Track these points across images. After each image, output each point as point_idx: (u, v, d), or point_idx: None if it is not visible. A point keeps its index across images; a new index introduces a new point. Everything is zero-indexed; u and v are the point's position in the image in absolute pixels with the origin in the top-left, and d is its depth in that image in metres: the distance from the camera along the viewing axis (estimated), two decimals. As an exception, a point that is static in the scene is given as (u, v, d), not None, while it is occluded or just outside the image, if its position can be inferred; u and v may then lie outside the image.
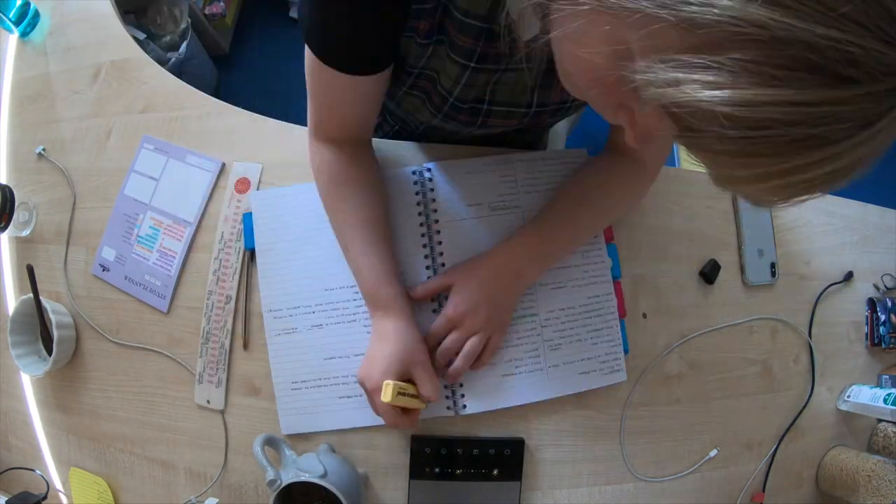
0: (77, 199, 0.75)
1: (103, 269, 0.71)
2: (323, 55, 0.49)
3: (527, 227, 0.63)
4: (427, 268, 0.65)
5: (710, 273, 0.72)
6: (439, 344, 0.60)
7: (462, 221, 0.65)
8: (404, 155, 0.70)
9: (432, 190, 0.66)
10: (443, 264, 0.64)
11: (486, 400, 0.64)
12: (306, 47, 0.49)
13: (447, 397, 0.64)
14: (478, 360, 0.61)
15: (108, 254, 0.71)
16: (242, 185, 0.69)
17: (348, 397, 0.64)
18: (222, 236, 0.68)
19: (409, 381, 0.56)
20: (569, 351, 0.65)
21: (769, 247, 0.75)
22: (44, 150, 0.76)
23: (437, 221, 0.65)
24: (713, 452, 0.70)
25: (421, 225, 0.65)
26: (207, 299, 0.68)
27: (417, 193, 0.66)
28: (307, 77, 0.53)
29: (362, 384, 0.57)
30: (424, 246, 0.65)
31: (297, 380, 0.65)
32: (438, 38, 0.49)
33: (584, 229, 0.64)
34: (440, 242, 0.65)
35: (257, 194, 0.68)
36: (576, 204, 0.63)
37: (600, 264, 0.67)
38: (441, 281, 0.62)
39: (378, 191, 0.62)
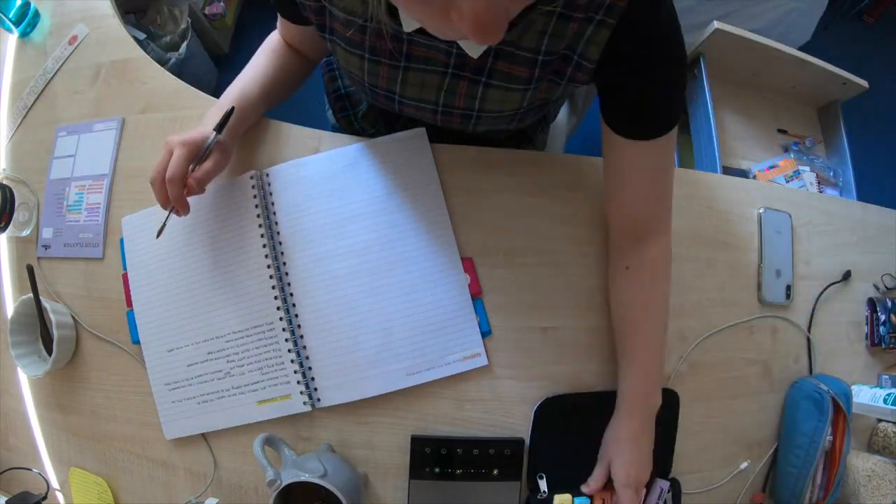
0: (77, 199, 0.75)
1: (45, 248, 0.75)
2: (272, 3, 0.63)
3: (632, 374, 0.63)
4: (268, 267, 0.66)
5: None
6: None
7: (301, 217, 0.67)
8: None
9: (271, 194, 0.68)
10: (285, 263, 0.67)
11: (343, 392, 0.65)
12: None
13: (301, 393, 0.65)
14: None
15: (48, 233, 0.76)
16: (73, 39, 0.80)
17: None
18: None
19: None
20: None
21: (787, 269, 0.76)
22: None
23: (277, 223, 0.68)
24: (744, 465, 0.71)
25: (259, 227, 0.67)
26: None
27: (255, 196, 0.68)
28: None
29: None
30: (264, 246, 0.66)
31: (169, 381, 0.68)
32: (330, 36, 0.57)
33: (662, 339, 0.64)
34: (281, 243, 0.67)
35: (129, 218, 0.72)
36: (650, 328, 0.63)
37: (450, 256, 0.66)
38: (603, 473, 0.63)
39: (283, 68, 0.70)
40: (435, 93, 0.58)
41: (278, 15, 0.67)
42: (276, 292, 0.65)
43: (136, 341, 0.69)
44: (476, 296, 0.66)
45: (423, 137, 0.69)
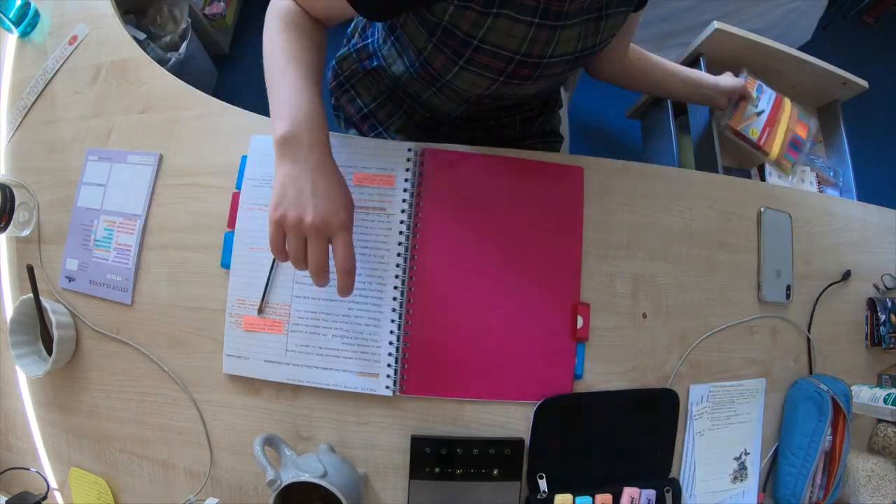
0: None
1: (70, 280, 0.73)
2: None
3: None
4: (399, 244, 0.65)
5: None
6: None
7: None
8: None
9: (422, 174, 0.68)
10: None
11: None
12: None
13: (388, 376, 0.64)
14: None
15: (72, 265, 0.73)
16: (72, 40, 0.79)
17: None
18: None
19: None
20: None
21: (787, 269, 0.76)
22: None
23: (420, 204, 0.67)
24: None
25: (404, 201, 0.67)
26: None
27: (408, 171, 0.67)
28: None
29: (312, 224, 0.48)
30: (402, 222, 0.66)
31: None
32: (499, 9, 0.55)
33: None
34: (418, 224, 0.66)
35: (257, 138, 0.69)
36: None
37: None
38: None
39: (322, 46, 0.60)
40: (574, 43, 0.62)
41: None
42: (399, 271, 0.65)
43: (226, 265, 0.67)
44: (581, 340, 0.67)
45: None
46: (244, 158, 0.69)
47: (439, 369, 0.65)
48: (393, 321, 0.65)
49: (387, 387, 0.64)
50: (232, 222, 0.68)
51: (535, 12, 0.56)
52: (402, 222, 0.66)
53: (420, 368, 0.65)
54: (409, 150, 0.68)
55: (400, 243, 0.65)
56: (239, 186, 0.68)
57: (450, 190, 0.68)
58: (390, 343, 0.65)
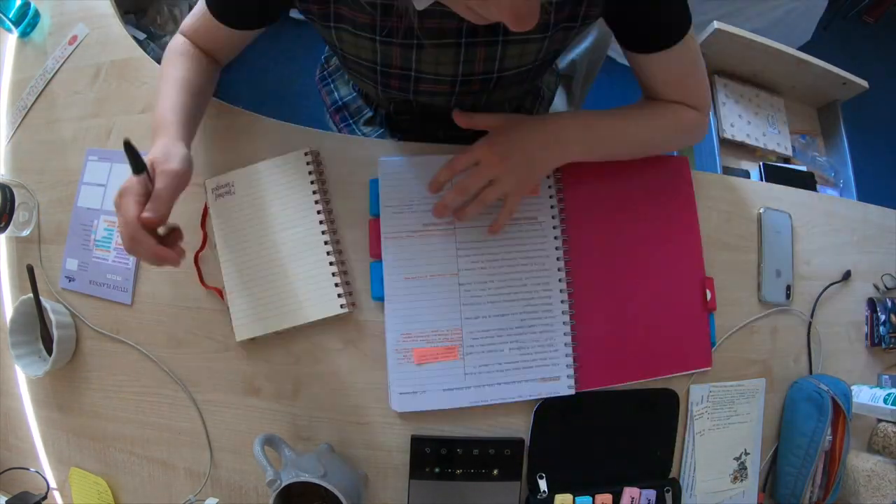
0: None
1: (69, 280, 0.73)
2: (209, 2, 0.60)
3: (583, 110, 0.64)
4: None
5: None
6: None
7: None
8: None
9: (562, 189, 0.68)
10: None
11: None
12: None
13: (568, 376, 0.65)
14: (495, 223, 0.61)
15: (72, 265, 0.73)
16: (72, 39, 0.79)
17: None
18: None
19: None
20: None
21: (787, 269, 0.76)
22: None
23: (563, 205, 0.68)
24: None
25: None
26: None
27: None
28: None
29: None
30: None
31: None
32: (336, 24, 0.56)
33: (633, 137, 0.64)
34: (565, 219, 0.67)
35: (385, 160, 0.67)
36: (628, 112, 0.64)
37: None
38: (486, 119, 0.61)
39: (206, 70, 0.66)
40: (452, 67, 0.59)
41: (200, 15, 0.63)
42: (562, 275, 0.66)
43: (377, 297, 0.65)
44: (711, 310, 0.70)
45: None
46: (374, 182, 0.66)
47: (606, 360, 0.66)
48: (565, 323, 0.65)
49: (569, 386, 0.65)
50: (375, 251, 0.66)
51: (373, 29, 0.55)
52: (554, 227, 0.67)
53: (591, 363, 0.66)
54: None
55: (557, 248, 0.66)
56: (373, 212, 0.66)
57: (584, 192, 0.68)
58: (565, 345, 0.65)
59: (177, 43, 0.66)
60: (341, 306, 0.64)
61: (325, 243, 0.65)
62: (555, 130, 0.60)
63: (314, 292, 0.65)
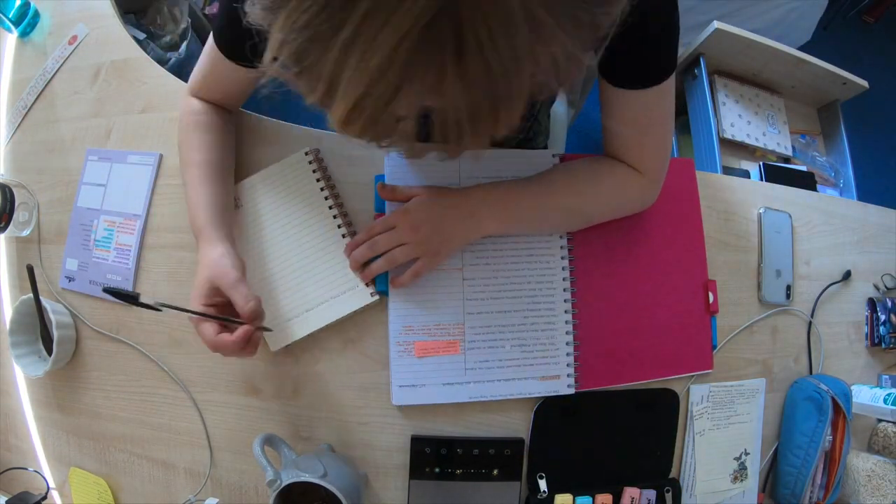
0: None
1: (69, 280, 0.73)
2: (216, 34, 0.59)
3: (503, 182, 0.63)
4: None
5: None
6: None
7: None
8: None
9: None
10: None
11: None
12: None
13: (568, 375, 0.65)
14: (397, 278, 0.62)
15: (72, 265, 0.73)
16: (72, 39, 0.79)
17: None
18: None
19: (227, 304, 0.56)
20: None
21: (787, 269, 0.76)
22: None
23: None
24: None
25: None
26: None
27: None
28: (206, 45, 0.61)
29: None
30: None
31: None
32: None
33: (558, 210, 0.63)
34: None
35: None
36: (557, 183, 0.63)
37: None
38: (410, 190, 0.62)
39: (224, 135, 0.66)
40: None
41: (206, 66, 0.63)
42: (566, 273, 0.66)
43: (382, 291, 0.65)
44: (714, 314, 0.70)
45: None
46: (379, 178, 0.66)
47: (606, 360, 0.67)
48: (567, 322, 0.66)
49: (568, 385, 0.65)
50: None
51: None
52: (561, 236, 0.67)
53: (591, 363, 0.66)
54: (554, 155, 0.68)
55: (562, 247, 0.66)
56: (378, 207, 0.66)
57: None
58: (567, 344, 0.65)
59: (187, 113, 0.65)
60: (371, 294, 0.64)
61: (343, 237, 0.65)
62: (470, 206, 0.61)
63: (342, 286, 0.65)
